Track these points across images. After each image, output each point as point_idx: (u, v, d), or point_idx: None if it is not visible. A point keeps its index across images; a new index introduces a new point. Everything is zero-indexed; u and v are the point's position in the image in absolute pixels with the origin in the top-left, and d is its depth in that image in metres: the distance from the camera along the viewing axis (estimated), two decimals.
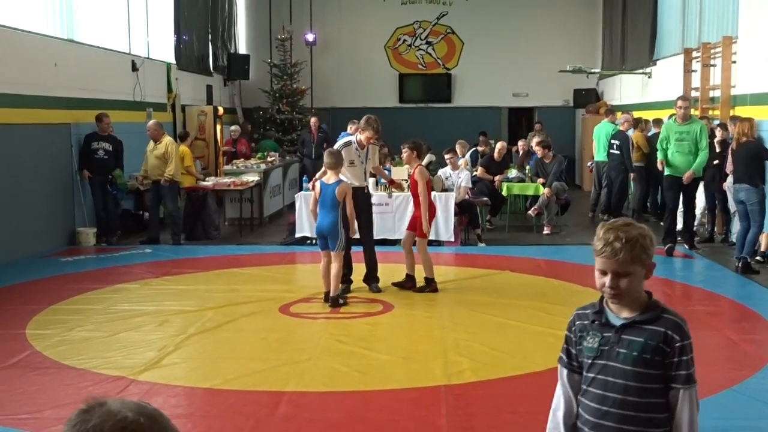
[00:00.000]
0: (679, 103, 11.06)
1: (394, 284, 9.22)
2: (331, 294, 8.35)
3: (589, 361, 2.78)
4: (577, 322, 2.90)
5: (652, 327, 2.69)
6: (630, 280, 2.69)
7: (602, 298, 2.82)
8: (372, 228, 9.36)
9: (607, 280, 2.71)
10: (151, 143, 12.43)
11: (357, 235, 8.94)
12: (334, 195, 8.17)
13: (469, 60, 22.81)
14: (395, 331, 7.60)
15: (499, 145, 14.66)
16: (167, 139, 12.50)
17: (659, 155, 11.25)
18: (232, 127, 18.07)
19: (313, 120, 17.57)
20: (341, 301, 8.45)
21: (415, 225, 9.14)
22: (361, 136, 8.99)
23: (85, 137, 12.44)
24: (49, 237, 11.78)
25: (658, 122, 14.02)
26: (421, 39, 23.03)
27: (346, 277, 9.10)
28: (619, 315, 2.77)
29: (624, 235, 2.67)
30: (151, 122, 12.72)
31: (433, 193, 11.76)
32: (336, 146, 9.12)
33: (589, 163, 16.45)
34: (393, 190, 11.57)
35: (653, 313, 2.73)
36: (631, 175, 14.44)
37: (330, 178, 8.29)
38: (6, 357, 6.59)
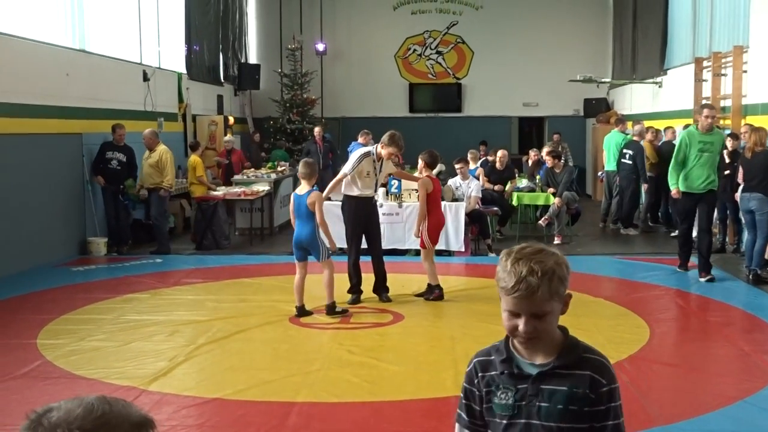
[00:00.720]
0: (706, 112, 10.08)
1: (416, 295, 9.28)
2: (327, 302, 8.32)
3: (504, 422, 2.25)
4: (480, 373, 2.36)
5: (575, 372, 2.21)
6: (548, 320, 2.22)
7: (507, 339, 2.35)
8: (380, 238, 9.37)
9: (520, 323, 2.21)
10: (146, 152, 12.50)
11: (339, 246, 9.11)
12: (307, 205, 8.13)
13: (480, 70, 22.81)
14: (405, 341, 7.58)
15: (499, 153, 14.51)
16: (161, 148, 12.53)
17: (672, 180, 10.17)
18: (226, 138, 17.41)
19: (317, 130, 17.50)
20: (338, 309, 8.40)
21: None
22: (383, 151, 8.98)
23: (100, 146, 12.51)
24: (61, 247, 11.81)
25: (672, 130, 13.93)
26: (431, 48, 23.05)
27: (356, 287, 9.11)
28: (532, 361, 2.27)
29: (539, 267, 2.21)
30: (146, 131, 12.74)
31: (443, 203, 11.82)
32: (356, 155, 9.12)
33: (599, 173, 16.41)
34: (403, 200, 11.60)
35: (574, 355, 2.25)
36: (644, 186, 14.39)
37: (303, 188, 8.25)
38: (17, 366, 6.60)
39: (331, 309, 8.32)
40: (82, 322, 8.11)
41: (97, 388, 6.02)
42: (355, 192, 9.00)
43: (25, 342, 7.34)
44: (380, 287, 9.23)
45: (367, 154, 9.03)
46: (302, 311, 8.30)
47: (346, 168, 9.04)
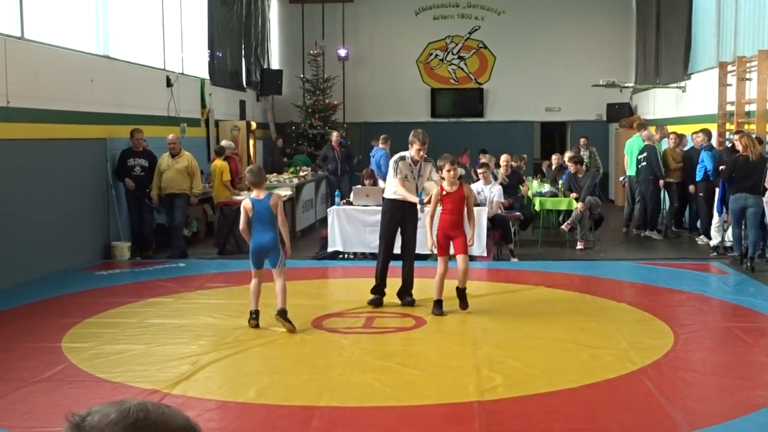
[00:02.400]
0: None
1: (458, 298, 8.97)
2: (280, 307, 7.97)
3: None
4: None
5: None
6: None
7: None
8: (415, 243, 9.33)
9: None
10: (167, 158, 12.47)
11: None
12: (269, 208, 7.93)
13: (502, 74, 22.76)
14: (428, 346, 7.57)
15: (503, 158, 14.13)
16: (187, 154, 12.60)
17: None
18: (223, 142, 15.60)
19: (334, 135, 17.41)
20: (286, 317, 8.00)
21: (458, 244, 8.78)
22: (412, 152, 9.02)
23: (120, 154, 12.56)
24: (85, 251, 11.91)
25: (705, 133, 13.55)
26: (453, 54, 23.03)
27: (379, 288, 9.13)
28: None
29: None
30: (174, 136, 12.74)
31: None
32: (392, 159, 9.27)
33: (621, 178, 16.34)
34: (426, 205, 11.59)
35: None
36: (661, 182, 14.28)
37: (258, 194, 8.02)
38: (42, 370, 6.65)
39: (283, 314, 7.95)
40: (106, 325, 8.16)
41: (121, 391, 6.05)
42: (393, 195, 9.10)
43: (50, 345, 7.40)
44: (404, 292, 9.20)
45: (402, 158, 9.09)
46: (257, 315, 8.07)
47: (391, 175, 9.15)
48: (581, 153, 18.32)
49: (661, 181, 14.28)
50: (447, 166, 8.69)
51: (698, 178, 13.09)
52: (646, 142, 14.44)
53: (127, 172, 12.48)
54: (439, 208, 8.82)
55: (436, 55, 23.05)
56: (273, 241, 7.97)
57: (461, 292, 8.86)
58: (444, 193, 8.74)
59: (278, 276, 8.05)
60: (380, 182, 12.91)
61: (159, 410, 1.47)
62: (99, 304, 9.09)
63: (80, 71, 11.78)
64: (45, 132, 10.80)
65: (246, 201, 8.16)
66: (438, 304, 8.76)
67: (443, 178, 8.77)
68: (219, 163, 13.56)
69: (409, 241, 9.23)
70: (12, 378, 6.44)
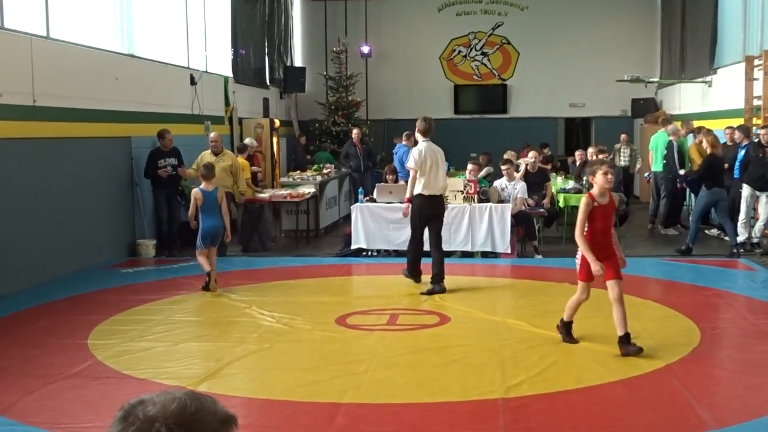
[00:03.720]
0: None
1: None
2: (209, 269, 9.65)
3: None
4: None
5: None
6: None
7: None
8: (441, 232, 9.79)
9: None
10: (210, 156, 12.39)
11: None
12: (216, 199, 9.76)
13: (525, 70, 22.68)
14: (452, 343, 7.55)
15: (531, 155, 14.09)
16: (229, 152, 12.65)
17: None
18: (246, 140, 15.92)
19: (355, 132, 17.42)
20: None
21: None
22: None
23: (149, 155, 12.60)
24: (110, 248, 11.99)
25: (742, 130, 13.17)
26: (476, 50, 22.97)
27: (412, 271, 9.82)
28: None
29: None
30: (216, 134, 12.80)
31: (488, 205, 11.78)
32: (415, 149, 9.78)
33: (646, 174, 16.21)
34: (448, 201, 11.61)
35: None
36: (676, 180, 14.21)
37: (208, 186, 9.76)
38: (69, 366, 6.71)
39: (210, 274, 9.58)
40: (131, 322, 8.22)
41: (147, 387, 6.08)
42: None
43: (76, 342, 7.46)
44: (438, 278, 9.53)
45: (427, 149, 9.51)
46: (210, 276, 9.60)
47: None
48: (621, 150, 18.22)
49: (679, 179, 14.20)
50: (603, 169, 6.85)
51: (736, 174, 12.85)
52: (670, 137, 14.34)
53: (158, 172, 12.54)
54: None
55: (459, 51, 22.99)
56: (221, 225, 9.89)
57: (624, 340, 6.82)
58: (595, 204, 6.85)
59: (213, 253, 9.99)
60: (401, 181, 12.95)
61: (207, 400, 1.57)
62: (125, 302, 9.16)
63: (105, 70, 11.86)
64: (70, 130, 10.88)
65: (196, 191, 9.83)
66: (567, 328, 7.34)
67: (592, 185, 7.01)
68: (240, 160, 13.59)
69: (437, 231, 9.71)
70: (39, 374, 6.50)
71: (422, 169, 9.38)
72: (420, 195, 9.47)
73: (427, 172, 9.39)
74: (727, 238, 12.57)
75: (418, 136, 9.75)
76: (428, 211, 9.56)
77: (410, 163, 9.59)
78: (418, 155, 9.43)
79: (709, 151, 12.31)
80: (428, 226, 9.68)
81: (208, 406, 1.54)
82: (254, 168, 16.72)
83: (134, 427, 1.49)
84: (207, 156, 12.45)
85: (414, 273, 9.86)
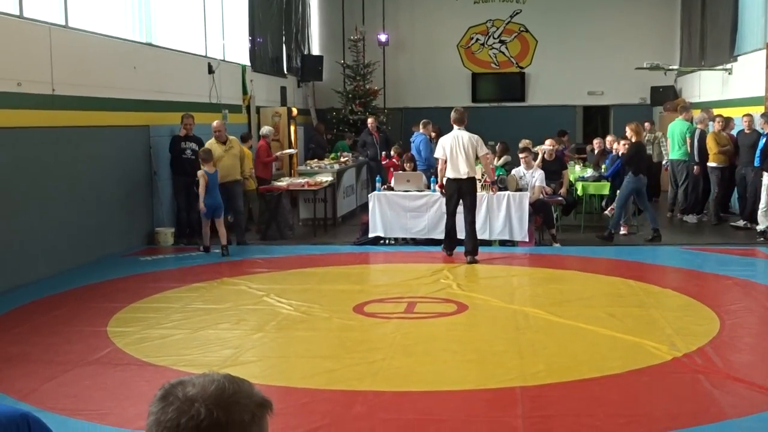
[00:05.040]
0: None
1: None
2: (224, 243, 11.41)
3: None
4: None
5: None
6: None
7: None
8: (474, 209, 10.83)
9: None
10: (216, 144, 12.11)
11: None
12: (216, 179, 11.27)
13: (543, 58, 22.54)
14: (470, 331, 7.55)
15: (547, 143, 13.98)
16: (234, 139, 12.63)
17: None
18: (263, 129, 14.96)
19: (370, 120, 17.41)
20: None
21: None
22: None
23: (172, 139, 12.71)
24: (129, 237, 12.05)
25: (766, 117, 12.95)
26: (494, 38, 22.85)
27: (447, 243, 11.00)
28: None
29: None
30: (220, 122, 12.62)
31: (506, 193, 11.75)
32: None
33: (664, 162, 16.11)
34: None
35: None
36: (695, 168, 14.12)
37: (210, 168, 11.22)
38: (89, 353, 6.76)
39: (225, 248, 11.43)
40: (150, 310, 8.27)
41: (166, 374, 6.11)
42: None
43: (96, 329, 7.51)
44: (471, 251, 10.65)
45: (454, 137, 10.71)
46: (207, 250, 11.46)
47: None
48: (646, 138, 18.04)
49: (696, 168, 14.11)
50: None
51: (756, 163, 12.75)
52: (698, 126, 14.29)
53: (179, 156, 12.60)
54: None
55: (477, 39, 22.88)
56: (221, 203, 11.44)
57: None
58: None
59: (220, 224, 11.42)
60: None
61: (244, 383, 1.60)
62: (143, 289, 9.21)
63: (123, 59, 11.89)
64: (89, 119, 10.93)
65: (202, 172, 11.15)
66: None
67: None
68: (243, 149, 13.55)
69: (471, 208, 10.75)
70: (60, 361, 6.55)
71: (449, 157, 10.67)
72: (447, 177, 10.78)
73: (450, 158, 10.65)
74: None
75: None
76: (450, 190, 10.78)
77: (436, 153, 11.16)
78: (439, 146, 10.96)
79: (634, 139, 12.49)
80: (462, 203, 10.73)
81: (245, 390, 1.57)
82: (290, 150, 16.84)
83: (174, 406, 1.52)
84: (215, 145, 12.11)
85: (446, 245, 11.08)
